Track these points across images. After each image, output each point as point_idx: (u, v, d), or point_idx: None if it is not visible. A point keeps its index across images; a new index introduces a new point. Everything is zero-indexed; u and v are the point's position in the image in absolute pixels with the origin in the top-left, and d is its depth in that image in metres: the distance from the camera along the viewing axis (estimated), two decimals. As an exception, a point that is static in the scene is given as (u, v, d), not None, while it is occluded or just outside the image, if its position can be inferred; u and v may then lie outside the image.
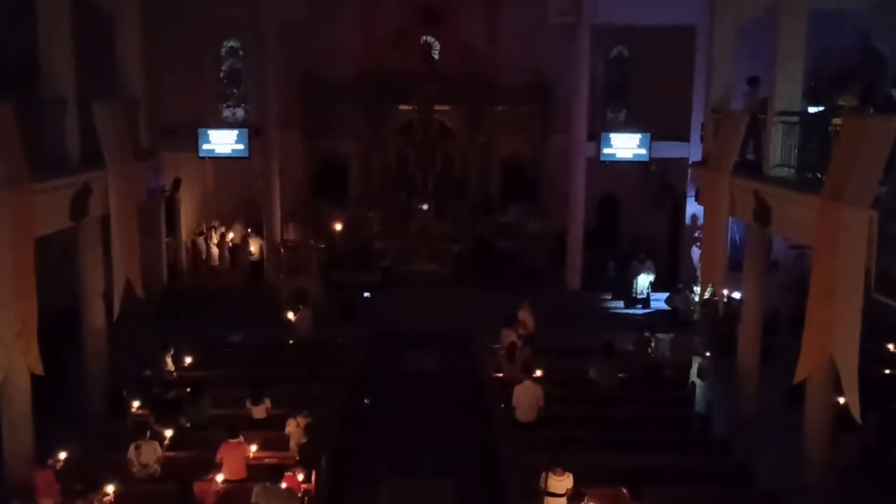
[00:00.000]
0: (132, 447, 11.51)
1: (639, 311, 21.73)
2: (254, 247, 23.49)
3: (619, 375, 15.12)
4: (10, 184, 10.66)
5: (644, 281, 22.07)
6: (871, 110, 11.53)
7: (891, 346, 16.11)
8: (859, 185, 9.85)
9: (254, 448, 11.86)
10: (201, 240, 23.96)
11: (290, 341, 17.41)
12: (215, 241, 24.11)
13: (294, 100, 23.89)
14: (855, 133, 10.18)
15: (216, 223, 24.34)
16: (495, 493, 12.47)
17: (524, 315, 16.83)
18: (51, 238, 12.79)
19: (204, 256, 23.95)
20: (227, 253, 24.19)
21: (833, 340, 10.41)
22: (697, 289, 20.66)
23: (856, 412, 10.21)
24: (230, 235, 24.35)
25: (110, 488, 10.80)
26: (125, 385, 14.30)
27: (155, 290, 20.18)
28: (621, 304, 22.05)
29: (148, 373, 14.52)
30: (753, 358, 14.94)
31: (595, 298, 22.23)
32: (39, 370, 11.57)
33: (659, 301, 21.95)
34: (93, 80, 15.24)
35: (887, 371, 15.20)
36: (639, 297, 22.13)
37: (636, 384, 15.57)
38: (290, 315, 17.57)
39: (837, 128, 11.19)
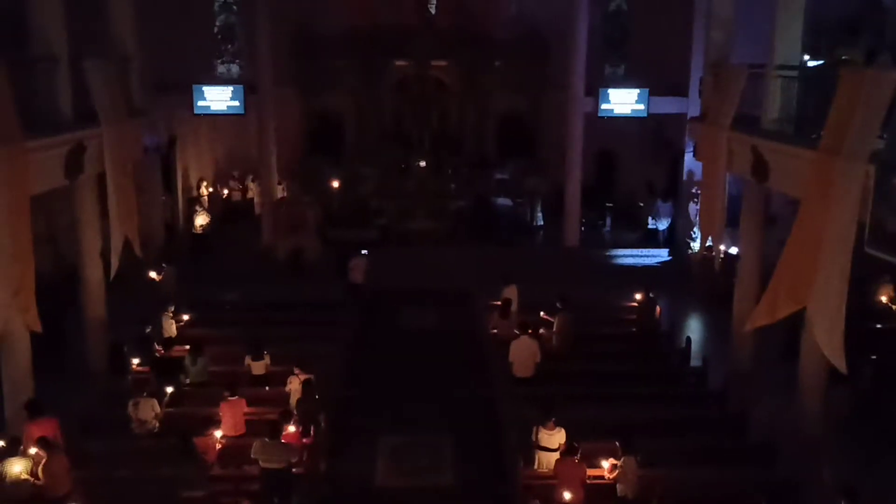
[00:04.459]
0: (130, 404, 11.65)
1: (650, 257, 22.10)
2: (201, 218, 22.23)
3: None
4: (4, 143, 10.60)
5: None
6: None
7: (884, 299, 16.16)
8: (857, 138, 9.80)
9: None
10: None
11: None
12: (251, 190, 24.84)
13: (288, 56, 23.62)
14: (854, 86, 10.09)
15: (236, 173, 25.05)
16: (493, 448, 12.61)
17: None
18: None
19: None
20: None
21: (813, 293, 10.43)
22: (694, 245, 20.73)
23: (840, 364, 10.22)
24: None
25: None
26: (126, 343, 14.38)
27: (153, 248, 20.19)
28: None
29: (149, 329, 14.62)
30: (749, 312, 14.97)
31: (593, 254, 22.29)
32: (37, 328, 11.63)
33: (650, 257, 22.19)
34: (84, 37, 15.05)
35: (879, 325, 15.26)
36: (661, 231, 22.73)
37: (632, 339, 15.71)
38: (153, 274, 17.08)
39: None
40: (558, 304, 14.96)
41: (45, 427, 10.64)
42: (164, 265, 17.42)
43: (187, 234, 22.84)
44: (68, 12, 13.79)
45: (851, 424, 12.77)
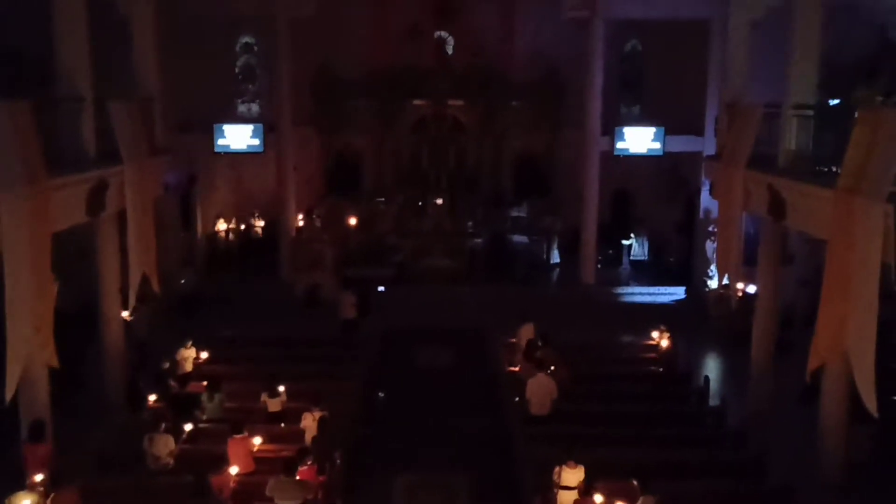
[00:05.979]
0: (146, 439, 11.64)
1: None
2: (186, 275, 21.46)
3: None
4: (28, 181, 10.76)
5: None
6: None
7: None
8: (875, 177, 9.81)
9: (258, 441, 11.96)
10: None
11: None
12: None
13: (308, 95, 23.97)
14: (871, 125, 10.12)
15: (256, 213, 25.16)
16: (509, 487, 12.49)
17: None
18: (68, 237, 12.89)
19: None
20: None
21: (847, 334, 10.36)
22: (711, 283, 20.63)
23: (872, 406, 10.15)
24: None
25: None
26: (142, 378, 14.43)
27: (171, 285, 20.31)
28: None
29: (166, 365, 14.66)
30: (767, 352, 14.89)
31: (609, 292, 22.24)
32: (55, 364, 11.70)
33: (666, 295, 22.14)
34: (108, 77, 15.37)
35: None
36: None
37: (649, 379, 15.59)
38: (125, 314, 15.67)
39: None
40: (539, 343, 14.91)
41: (41, 452, 10.63)
42: (136, 305, 15.82)
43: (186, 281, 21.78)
44: (93, 53, 14.09)
45: (871, 465, 12.55)
